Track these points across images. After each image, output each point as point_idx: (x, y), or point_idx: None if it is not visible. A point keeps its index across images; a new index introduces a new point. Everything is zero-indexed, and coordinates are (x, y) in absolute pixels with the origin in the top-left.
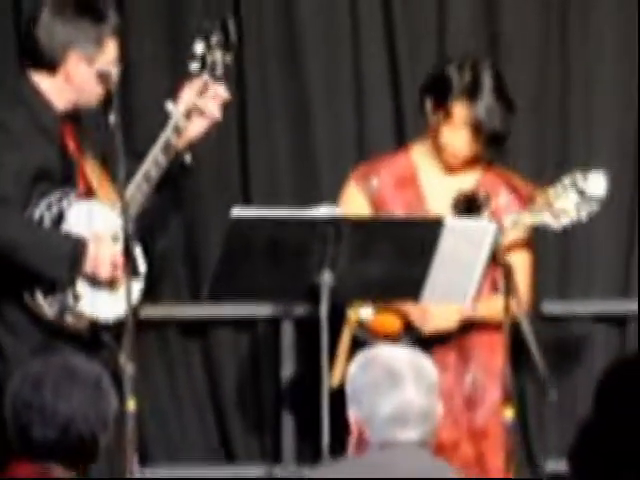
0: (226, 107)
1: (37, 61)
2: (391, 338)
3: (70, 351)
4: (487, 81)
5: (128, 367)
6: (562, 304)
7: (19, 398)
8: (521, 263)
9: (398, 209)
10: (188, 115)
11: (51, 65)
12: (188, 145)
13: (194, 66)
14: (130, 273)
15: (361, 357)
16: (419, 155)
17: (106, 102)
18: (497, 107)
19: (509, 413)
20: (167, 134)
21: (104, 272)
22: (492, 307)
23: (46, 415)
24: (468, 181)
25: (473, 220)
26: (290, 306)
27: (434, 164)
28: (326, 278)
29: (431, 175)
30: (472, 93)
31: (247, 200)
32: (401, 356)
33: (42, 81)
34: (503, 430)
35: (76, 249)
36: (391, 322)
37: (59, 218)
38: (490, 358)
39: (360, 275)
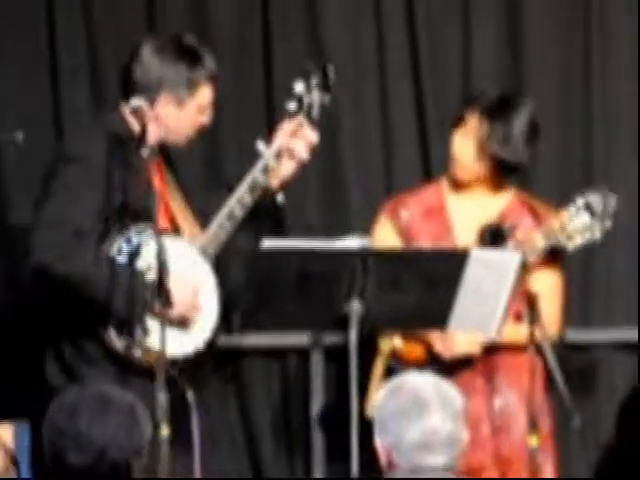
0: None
1: (128, 96)
2: (419, 366)
3: (140, 384)
4: (516, 109)
5: (160, 395)
6: (583, 332)
7: (55, 425)
8: (549, 289)
9: (425, 240)
10: (278, 156)
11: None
12: (280, 185)
13: (292, 106)
14: (163, 302)
15: (388, 385)
16: (447, 187)
17: (139, 136)
18: (515, 138)
19: (534, 441)
20: (255, 174)
21: (173, 311)
22: (516, 332)
23: (81, 442)
24: (494, 211)
25: (498, 251)
26: (319, 335)
27: (462, 195)
28: (355, 307)
29: (459, 206)
30: (492, 112)
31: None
32: (427, 384)
33: (131, 116)
34: (529, 457)
35: (147, 288)
36: (416, 350)
37: (136, 253)
38: (519, 381)
39: (388, 304)
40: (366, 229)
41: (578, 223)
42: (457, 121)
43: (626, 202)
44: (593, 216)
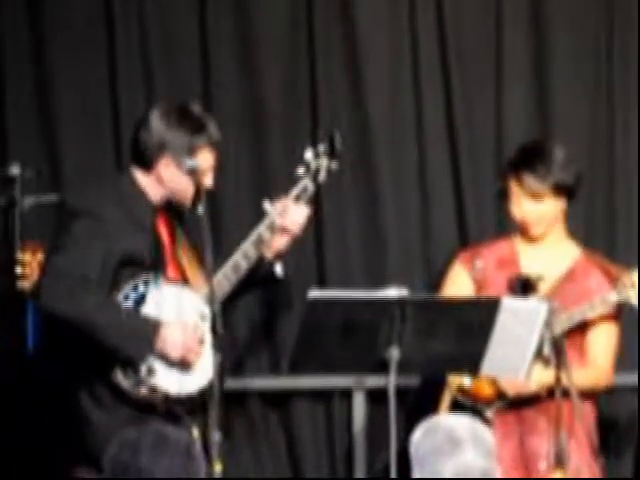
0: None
1: (136, 158)
2: (486, 402)
3: (156, 421)
4: (537, 152)
5: (215, 434)
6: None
7: (118, 462)
8: (606, 336)
9: (497, 289)
10: (272, 230)
11: (146, 164)
12: (276, 256)
13: (300, 170)
14: (217, 348)
15: (424, 424)
16: (519, 242)
17: (195, 195)
18: (550, 165)
19: (558, 475)
20: (260, 230)
21: (174, 354)
22: (575, 378)
23: (142, 477)
24: (563, 266)
25: (527, 300)
26: (362, 378)
27: (533, 250)
28: (394, 353)
29: (531, 260)
30: (520, 166)
31: (322, 282)
32: (461, 423)
33: (139, 176)
34: None
35: (149, 329)
36: (485, 388)
37: (141, 300)
38: (578, 425)
39: (424, 350)
40: (403, 280)
41: None
42: (502, 194)
43: None
44: None
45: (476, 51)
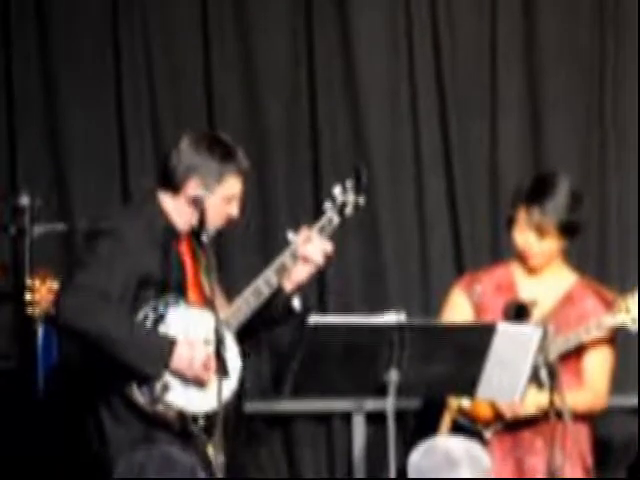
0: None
1: (164, 182)
2: (485, 424)
3: (166, 440)
4: (549, 187)
5: (219, 457)
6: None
7: None
8: (602, 360)
9: (495, 313)
10: (294, 258)
11: (175, 188)
12: (296, 288)
13: (327, 205)
14: (221, 373)
15: (422, 446)
16: (517, 268)
17: (199, 224)
18: (559, 204)
19: None
20: (284, 257)
21: (190, 372)
22: (571, 400)
23: None
24: (560, 291)
25: (522, 325)
26: (361, 401)
27: (531, 277)
28: (393, 376)
29: (527, 285)
30: (531, 199)
31: (323, 308)
32: (458, 444)
33: (166, 200)
34: None
35: (164, 347)
36: (484, 409)
37: (160, 320)
38: (573, 446)
39: (423, 374)
40: (402, 305)
41: None
42: (509, 222)
43: None
44: None
45: (471, 83)
